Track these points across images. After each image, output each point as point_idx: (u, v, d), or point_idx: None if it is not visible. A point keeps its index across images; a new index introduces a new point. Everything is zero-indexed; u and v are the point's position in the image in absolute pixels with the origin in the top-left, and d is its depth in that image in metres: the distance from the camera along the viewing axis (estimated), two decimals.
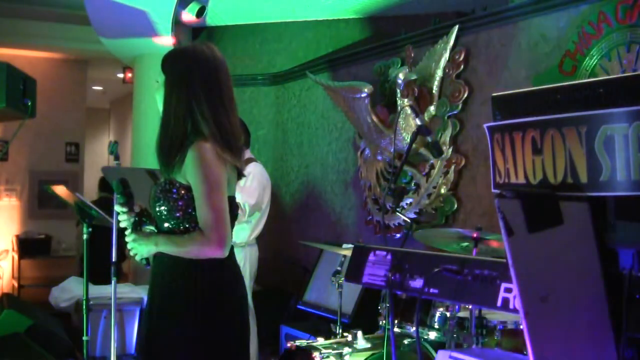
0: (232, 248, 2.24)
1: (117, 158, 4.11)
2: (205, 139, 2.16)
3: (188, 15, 5.51)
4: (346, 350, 3.17)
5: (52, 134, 8.73)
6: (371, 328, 3.47)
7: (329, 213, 5.57)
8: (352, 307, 4.31)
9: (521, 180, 1.38)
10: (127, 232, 2.27)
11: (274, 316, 5.01)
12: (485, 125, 1.47)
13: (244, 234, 4.16)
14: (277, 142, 6.37)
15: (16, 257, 8.30)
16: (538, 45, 3.75)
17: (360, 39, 5.49)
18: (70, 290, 6.04)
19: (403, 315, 3.11)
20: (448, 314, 2.92)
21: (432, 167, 4.37)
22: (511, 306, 2.08)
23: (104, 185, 6.89)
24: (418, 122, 3.03)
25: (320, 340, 3.34)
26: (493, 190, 1.45)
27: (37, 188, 8.65)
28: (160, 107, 2.28)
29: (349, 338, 3.28)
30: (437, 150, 3.09)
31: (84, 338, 3.86)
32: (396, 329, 3.09)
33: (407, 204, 4.52)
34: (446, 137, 4.24)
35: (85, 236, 3.91)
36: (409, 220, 4.44)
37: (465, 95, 4.16)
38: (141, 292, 5.56)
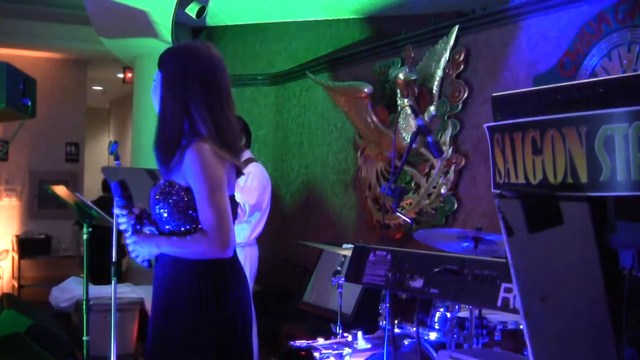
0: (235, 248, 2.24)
1: (117, 158, 4.11)
2: (203, 138, 2.15)
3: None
4: (346, 350, 3.17)
5: (52, 134, 8.73)
6: (371, 328, 3.46)
7: (329, 213, 5.57)
8: (352, 307, 4.31)
9: (521, 180, 1.38)
10: (127, 235, 2.26)
11: (274, 316, 5.01)
12: (485, 125, 1.47)
13: (244, 234, 4.16)
14: (277, 142, 6.37)
15: (16, 257, 8.30)
16: (538, 45, 3.75)
17: (360, 39, 5.49)
18: (70, 290, 6.04)
19: (403, 315, 3.11)
20: (448, 314, 2.92)
21: (432, 167, 4.37)
22: (511, 306, 2.08)
23: (107, 185, 6.90)
24: (418, 122, 3.03)
25: (320, 340, 3.34)
26: (493, 190, 1.45)
27: (37, 188, 8.65)
28: (157, 107, 2.27)
29: (349, 338, 3.27)
30: (437, 150, 3.09)
31: (84, 338, 3.86)
32: (396, 329, 3.09)
33: (407, 204, 4.52)
34: (446, 137, 4.24)
35: (85, 236, 3.91)
36: (409, 220, 4.44)
37: (465, 95, 4.16)
38: (141, 292, 5.56)
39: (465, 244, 3.18)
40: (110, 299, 3.80)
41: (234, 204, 2.29)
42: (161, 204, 2.18)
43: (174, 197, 2.16)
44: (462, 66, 4.19)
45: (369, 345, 3.21)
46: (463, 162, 4.18)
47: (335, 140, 5.54)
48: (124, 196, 2.27)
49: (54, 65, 8.86)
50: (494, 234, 3.03)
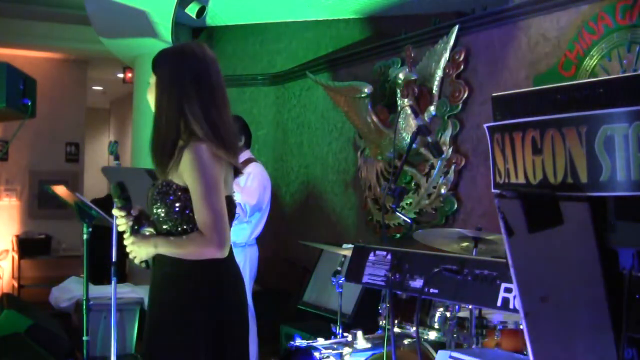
0: (231, 248, 2.24)
1: (117, 158, 4.11)
2: (199, 139, 2.15)
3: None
4: (346, 350, 3.17)
5: (52, 134, 8.74)
6: (371, 328, 3.46)
7: (329, 213, 5.57)
8: (352, 307, 4.31)
9: (521, 180, 1.38)
10: (125, 236, 2.27)
11: (274, 316, 5.01)
12: (485, 125, 1.47)
13: (244, 234, 4.16)
14: (277, 142, 6.37)
15: (16, 257, 8.30)
16: (538, 45, 3.75)
17: (360, 39, 5.49)
18: (70, 290, 6.04)
19: (403, 315, 3.11)
20: (448, 314, 2.92)
21: (432, 167, 4.37)
22: (511, 306, 2.08)
23: None
24: (418, 122, 3.03)
25: (320, 340, 3.34)
26: (493, 190, 1.45)
27: (37, 188, 8.66)
28: (153, 108, 2.28)
29: (349, 338, 3.27)
30: (437, 150, 3.09)
31: (84, 338, 3.86)
32: (396, 329, 3.09)
33: (407, 204, 4.52)
34: (446, 137, 4.24)
35: (85, 236, 3.91)
36: (409, 220, 4.44)
37: (465, 95, 4.16)
38: (141, 292, 5.56)
39: (465, 244, 3.18)
40: (110, 299, 3.80)
41: (232, 204, 2.29)
42: (159, 204, 2.18)
43: (172, 198, 2.16)
44: (462, 66, 4.19)
45: (369, 345, 3.21)
46: (463, 162, 4.18)
47: (335, 140, 5.54)
48: (123, 197, 2.28)
49: (54, 65, 8.87)
50: (494, 234, 3.03)
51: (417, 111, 4.27)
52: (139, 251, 2.22)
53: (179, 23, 5.81)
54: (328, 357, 3.12)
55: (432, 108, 4.33)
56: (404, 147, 4.22)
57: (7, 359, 4.09)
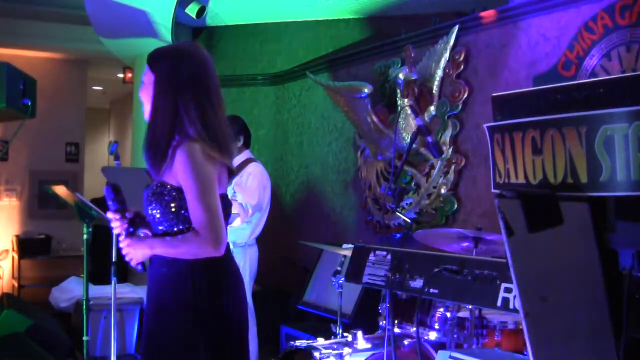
0: (228, 247, 2.24)
1: (117, 158, 4.11)
2: (193, 139, 2.15)
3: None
4: (346, 350, 3.17)
5: (52, 134, 8.73)
6: (371, 328, 3.46)
7: (329, 213, 5.57)
8: (352, 307, 4.31)
9: (521, 180, 1.38)
10: (120, 238, 2.26)
11: (274, 316, 5.01)
12: (485, 125, 1.47)
13: (244, 234, 4.16)
14: (277, 142, 6.37)
15: (16, 257, 8.30)
16: (538, 45, 3.75)
17: (360, 39, 5.49)
18: (70, 290, 6.05)
19: (403, 315, 3.11)
20: (448, 314, 2.92)
21: (432, 167, 4.37)
22: (511, 306, 2.08)
23: None
24: (418, 122, 3.03)
25: (320, 340, 3.34)
26: (493, 190, 1.45)
27: (37, 188, 8.65)
28: (146, 108, 2.28)
29: (349, 338, 3.27)
30: (437, 150, 3.09)
31: (84, 338, 3.86)
32: (396, 329, 3.09)
33: (407, 204, 4.52)
34: (446, 137, 4.24)
35: (85, 236, 3.91)
36: (409, 220, 4.44)
37: (465, 95, 4.16)
38: (141, 292, 5.56)
39: (465, 244, 3.18)
40: (110, 299, 3.80)
41: (226, 203, 2.29)
42: (153, 205, 2.18)
43: (166, 198, 2.16)
44: (462, 66, 4.19)
45: (369, 345, 3.21)
46: (463, 162, 4.18)
47: (335, 140, 5.54)
48: (117, 200, 2.28)
49: (54, 65, 8.86)
50: (494, 234, 3.03)
51: (417, 111, 4.26)
52: (135, 253, 2.21)
53: (179, 23, 5.81)
54: (328, 357, 3.12)
55: (432, 108, 4.33)
56: (404, 147, 4.22)
57: (7, 359, 4.09)
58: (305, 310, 4.81)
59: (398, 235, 4.67)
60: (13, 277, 8.37)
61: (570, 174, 1.29)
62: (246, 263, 4.15)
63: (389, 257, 2.54)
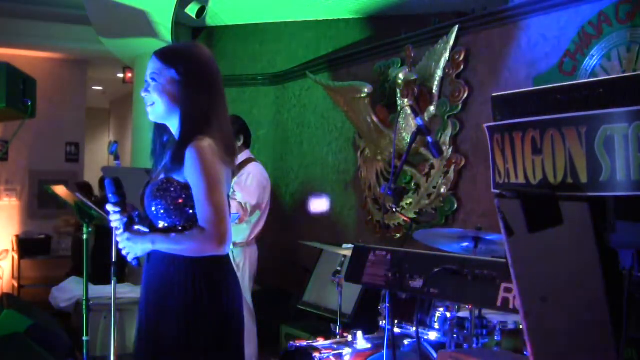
0: None
1: (117, 158, 4.11)
2: (203, 137, 2.16)
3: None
4: (346, 350, 3.17)
5: (52, 134, 8.73)
6: (371, 328, 3.46)
7: (329, 213, 5.57)
8: (352, 307, 4.31)
9: (521, 180, 1.38)
10: (119, 232, 2.26)
11: (274, 316, 5.01)
12: (485, 125, 1.47)
13: (244, 234, 4.16)
14: (277, 142, 6.37)
15: (16, 257, 8.30)
16: (538, 45, 3.75)
17: (360, 39, 5.49)
18: (70, 290, 6.05)
19: (403, 315, 3.11)
20: (448, 314, 2.92)
21: (432, 167, 4.37)
22: (511, 306, 2.08)
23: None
24: (418, 122, 3.03)
25: (320, 340, 3.34)
26: (493, 190, 1.45)
27: (37, 188, 8.65)
28: (149, 106, 2.27)
29: (349, 338, 3.27)
30: (437, 150, 3.09)
31: (84, 338, 3.86)
32: (396, 329, 3.09)
33: (407, 204, 4.52)
34: (446, 137, 4.24)
35: (85, 236, 3.91)
36: (409, 220, 4.44)
37: (465, 95, 4.16)
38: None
39: (465, 244, 3.18)
40: (110, 299, 3.80)
41: (227, 203, 2.30)
42: (158, 201, 2.18)
43: (173, 194, 2.17)
44: (462, 66, 4.19)
45: (369, 345, 3.21)
46: (463, 162, 4.18)
47: (335, 140, 5.54)
48: (118, 194, 2.27)
49: (54, 65, 8.86)
50: (494, 234, 3.03)
51: (417, 111, 4.26)
52: (134, 247, 2.21)
53: (179, 23, 5.81)
54: (328, 357, 3.12)
55: (432, 108, 4.33)
56: (404, 147, 4.22)
57: (7, 359, 4.08)
58: (305, 310, 4.81)
59: (398, 235, 4.68)
60: (13, 277, 8.37)
61: (570, 174, 1.29)
62: (246, 263, 4.15)
63: (389, 257, 2.54)
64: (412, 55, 4.57)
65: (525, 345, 1.84)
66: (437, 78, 4.31)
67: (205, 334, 2.17)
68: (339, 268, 3.80)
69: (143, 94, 2.29)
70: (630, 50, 3.23)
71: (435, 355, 2.92)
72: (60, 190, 4.19)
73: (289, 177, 6.18)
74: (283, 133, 6.29)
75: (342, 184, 5.44)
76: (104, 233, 3.91)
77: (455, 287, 2.27)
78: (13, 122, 3.84)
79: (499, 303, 2.11)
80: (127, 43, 6.58)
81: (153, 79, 2.25)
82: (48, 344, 4.44)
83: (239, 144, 4.17)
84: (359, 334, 3.25)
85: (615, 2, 3.29)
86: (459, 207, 4.23)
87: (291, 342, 3.39)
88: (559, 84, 1.34)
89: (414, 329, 2.99)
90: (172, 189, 2.17)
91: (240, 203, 4.01)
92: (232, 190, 4.00)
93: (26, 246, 8.34)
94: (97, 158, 11.19)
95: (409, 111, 4.22)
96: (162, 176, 2.22)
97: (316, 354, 3.13)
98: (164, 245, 2.18)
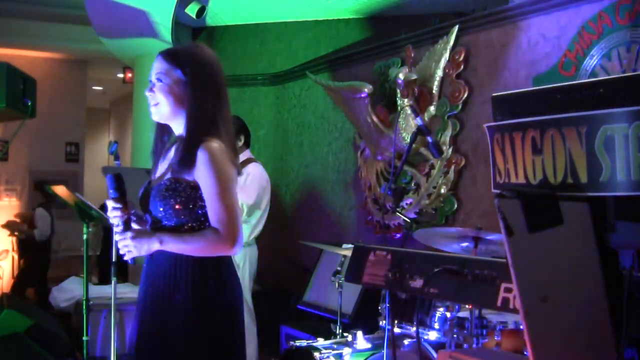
0: None
1: (117, 158, 4.12)
2: (212, 138, 2.17)
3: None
4: (346, 350, 3.17)
5: (52, 134, 8.74)
6: (371, 328, 3.46)
7: (329, 213, 5.57)
8: (352, 307, 4.31)
9: (521, 180, 1.38)
10: (118, 229, 2.21)
11: (274, 316, 5.01)
12: (485, 125, 1.47)
13: (243, 234, 4.16)
14: (277, 142, 6.37)
15: (16, 257, 8.30)
16: (538, 45, 3.75)
17: (360, 39, 5.49)
18: (70, 290, 6.04)
19: (403, 315, 3.11)
20: (448, 314, 2.92)
21: (432, 167, 4.37)
22: (511, 306, 2.08)
23: None
24: (418, 122, 3.03)
25: (320, 340, 3.34)
26: (493, 190, 1.45)
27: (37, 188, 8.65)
28: (152, 106, 2.27)
29: (349, 338, 3.28)
30: (437, 150, 3.09)
31: (84, 338, 3.87)
32: (396, 329, 3.09)
33: (407, 204, 4.52)
34: (446, 137, 4.23)
35: (85, 236, 3.91)
36: (409, 220, 4.44)
37: (465, 95, 4.16)
38: None
39: (465, 244, 3.18)
40: (110, 299, 3.80)
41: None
42: (166, 201, 2.18)
43: (182, 195, 2.17)
44: (462, 66, 4.19)
45: (369, 345, 3.21)
46: (463, 162, 4.18)
47: (335, 140, 5.54)
48: (118, 190, 2.26)
49: (54, 65, 8.87)
50: (494, 234, 3.03)
51: (417, 111, 4.25)
52: (140, 247, 2.17)
53: (179, 23, 5.81)
54: (328, 357, 3.12)
55: (432, 108, 4.33)
56: (404, 147, 4.22)
57: (7, 359, 4.09)
58: (305, 310, 4.81)
59: (398, 235, 4.67)
60: (13, 277, 8.37)
61: (570, 174, 1.29)
62: (246, 263, 4.15)
63: (389, 257, 2.54)
64: (412, 55, 4.57)
65: (525, 345, 1.84)
66: (437, 78, 4.31)
67: (212, 332, 2.17)
68: (339, 268, 3.80)
69: (147, 94, 2.28)
70: (630, 50, 3.23)
71: (435, 355, 2.92)
72: (60, 190, 4.19)
73: (289, 177, 6.18)
74: (283, 133, 6.29)
75: (342, 184, 5.44)
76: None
77: (455, 287, 2.26)
78: (13, 122, 3.84)
79: (499, 303, 2.11)
80: (127, 43, 6.58)
81: (159, 79, 2.25)
82: (48, 344, 4.44)
83: (239, 144, 4.17)
84: (359, 334, 3.25)
85: (615, 2, 3.29)
86: (459, 207, 4.23)
87: (291, 342, 3.39)
88: (559, 84, 1.34)
89: (414, 329, 2.98)
90: (181, 189, 2.17)
91: None
92: None
93: (26, 246, 8.34)
94: (97, 158, 11.19)
95: (409, 111, 4.22)
96: (168, 176, 2.22)
97: (316, 354, 3.13)
98: (173, 245, 2.17)
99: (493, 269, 2.18)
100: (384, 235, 4.66)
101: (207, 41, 6.44)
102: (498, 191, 1.42)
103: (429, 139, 3.03)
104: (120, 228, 2.21)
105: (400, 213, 4.44)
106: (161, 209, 2.20)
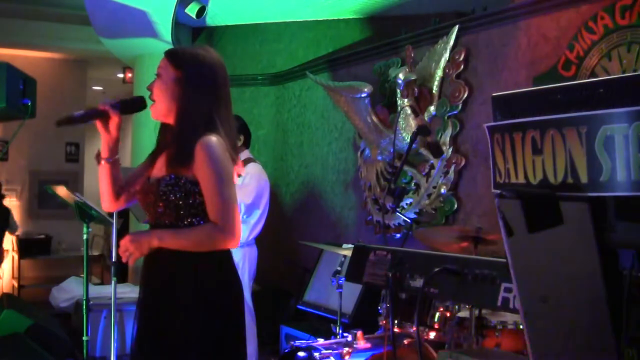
0: None
1: None
2: (212, 135, 2.19)
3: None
4: (346, 350, 3.17)
5: (52, 134, 8.74)
6: (371, 328, 3.46)
7: (329, 213, 5.57)
8: (352, 307, 4.31)
9: (521, 180, 1.38)
10: (102, 107, 2.30)
11: (274, 316, 5.02)
12: (485, 125, 1.47)
13: (242, 234, 4.16)
14: (277, 142, 6.37)
15: (16, 257, 8.30)
16: (538, 45, 3.75)
17: (360, 39, 5.49)
18: (71, 290, 6.05)
19: (403, 315, 3.11)
20: (448, 314, 2.92)
21: (432, 167, 4.37)
22: (511, 306, 2.08)
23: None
24: (418, 122, 3.03)
25: (320, 340, 3.34)
26: (493, 190, 1.45)
27: (37, 188, 8.66)
28: (151, 105, 2.30)
29: (349, 338, 3.27)
30: (437, 150, 3.09)
31: (84, 338, 3.87)
32: (396, 329, 3.09)
33: (407, 204, 4.52)
34: (446, 137, 4.23)
35: (85, 236, 3.91)
36: (409, 220, 4.44)
37: (465, 95, 4.16)
38: None
39: (465, 244, 3.18)
40: (110, 299, 3.80)
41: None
42: (166, 196, 2.18)
43: (183, 191, 2.17)
44: (462, 66, 4.19)
45: (369, 345, 3.21)
46: (463, 162, 4.18)
47: (335, 140, 5.54)
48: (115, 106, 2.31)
49: (54, 65, 8.87)
50: (494, 233, 3.03)
51: (417, 111, 4.26)
52: (140, 247, 2.18)
53: (179, 23, 5.82)
54: (328, 357, 3.12)
55: (432, 108, 4.33)
56: (404, 147, 4.22)
57: (7, 359, 4.09)
58: (305, 310, 4.81)
59: (398, 235, 4.67)
60: (13, 277, 8.37)
61: (570, 174, 1.29)
62: (245, 263, 4.14)
63: (389, 257, 2.54)
64: (412, 55, 4.57)
65: (525, 345, 1.83)
66: (437, 78, 4.31)
67: (212, 332, 2.17)
68: (339, 268, 3.80)
69: (148, 88, 2.33)
70: (630, 50, 3.23)
71: (435, 355, 2.91)
72: (60, 190, 4.19)
73: (289, 177, 6.18)
74: (283, 133, 6.29)
75: (342, 184, 5.44)
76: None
77: (455, 287, 2.26)
78: (13, 122, 3.85)
79: (499, 303, 2.11)
80: (127, 43, 6.58)
81: (159, 74, 2.29)
82: (48, 344, 4.45)
83: (239, 144, 4.18)
84: (359, 334, 3.25)
85: (615, 2, 3.29)
86: (459, 207, 4.23)
87: (291, 342, 3.39)
88: (559, 84, 1.34)
89: (414, 329, 2.98)
90: (182, 185, 2.18)
91: None
92: None
93: (26, 246, 8.34)
94: None
95: (409, 111, 4.22)
96: (166, 172, 2.22)
97: (316, 354, 3.13)
98: (172, 241, 2.18)
99: (493, 269, 2.17)
100: (384, 235, 4.66)
101: (207, 41, 6.44)
102: (498, 191, 1.42)
103: (429, 139, 3.04)
104: (110, 110, 2.28)
105: (400, 213, 4.45)
106: (160, 204, 2.20)
